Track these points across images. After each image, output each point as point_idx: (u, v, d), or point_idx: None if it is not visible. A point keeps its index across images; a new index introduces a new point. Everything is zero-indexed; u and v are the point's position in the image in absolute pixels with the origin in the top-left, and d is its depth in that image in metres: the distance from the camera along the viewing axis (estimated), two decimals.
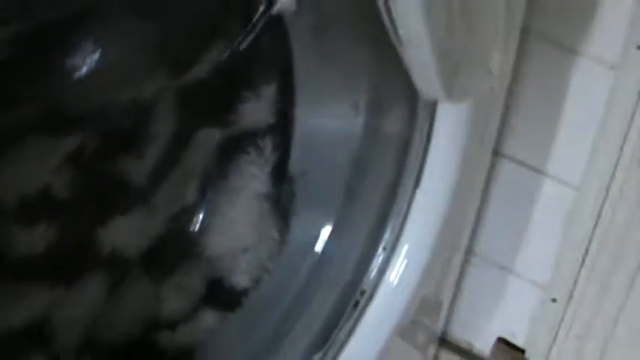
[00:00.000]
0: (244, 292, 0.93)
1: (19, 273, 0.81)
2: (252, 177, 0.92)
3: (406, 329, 1.09)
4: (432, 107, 0.79)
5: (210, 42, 0.85)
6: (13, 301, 0.80)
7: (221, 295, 0.93)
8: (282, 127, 0.90)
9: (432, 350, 1.44)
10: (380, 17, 0.63)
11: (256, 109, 0.90)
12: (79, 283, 0.86)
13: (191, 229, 0.93)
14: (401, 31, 0.62)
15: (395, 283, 0.84)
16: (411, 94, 0.76)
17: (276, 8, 0.80)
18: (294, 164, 0.92)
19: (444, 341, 1.47)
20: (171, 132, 0.86)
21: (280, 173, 0.91)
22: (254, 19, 0.81)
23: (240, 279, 0.92)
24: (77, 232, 0.84)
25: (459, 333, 1.46)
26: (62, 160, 0.80)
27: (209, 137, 0.90)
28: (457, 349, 1.46)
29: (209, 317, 0.92)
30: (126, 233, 0.87)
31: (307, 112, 0.88)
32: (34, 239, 0.80)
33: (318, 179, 0.90)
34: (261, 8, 0.81)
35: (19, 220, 0.79)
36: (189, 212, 0.93)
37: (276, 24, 0.82)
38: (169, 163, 0.88)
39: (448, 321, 1.45)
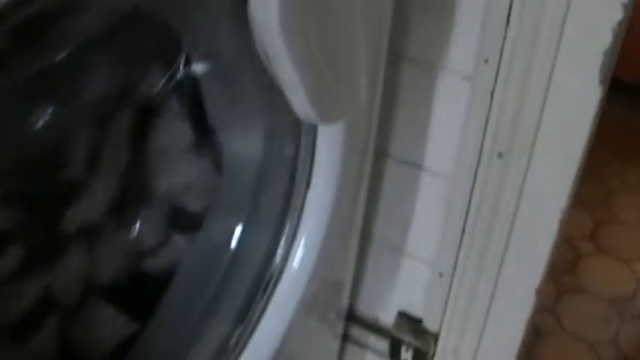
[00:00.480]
0: (200, 216, 1.05)
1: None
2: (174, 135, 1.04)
3: (312, 307, 1.23)
4: (314, 128, 0.93)
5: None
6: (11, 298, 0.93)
7: (183, 221, 1.06)
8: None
9: (341, 326, 1.54)
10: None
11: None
12: (61, 261, 0.97)
13: (144, 180, 1.05)
14: (278, 75, 0.79)
15: (296, 267, 0.97)
16: (296, 120, 0.89)
17: (192, 68, 0.96)
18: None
19: (352, 317, 1.56)
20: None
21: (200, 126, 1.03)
22: (170, 74, 0.96)
23: (195, 206, 1.05)
24: (40, 231, 0.95)
25: (365, 309, 1.55)
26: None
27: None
28: (364, 324, 1.56)
29: (179, 240, 1.05)
30: (86, 212, 0.98)
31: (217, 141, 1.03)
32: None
33: (229, 190, 1.03)
34: (180, 68, 0.96)
35: None
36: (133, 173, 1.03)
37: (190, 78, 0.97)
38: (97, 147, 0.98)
39: (354, 299, 1.54)
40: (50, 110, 0.91)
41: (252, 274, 1.02)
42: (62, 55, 0.87)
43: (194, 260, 1.06)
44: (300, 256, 0.99)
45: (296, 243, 1.00)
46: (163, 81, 0.98)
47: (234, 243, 1.04)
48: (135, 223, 1.04)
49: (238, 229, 1.04)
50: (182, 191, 1.05)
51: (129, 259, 1.04)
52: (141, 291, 1.06)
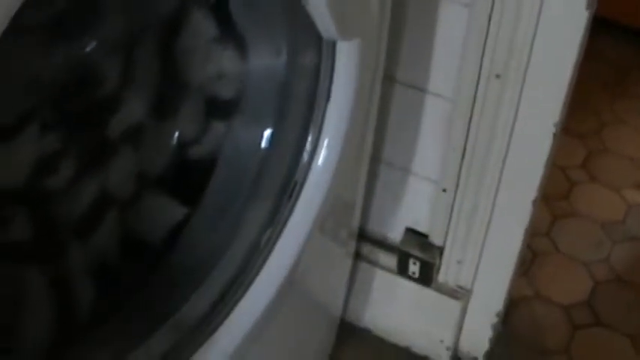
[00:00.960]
0: (233, 102, 1.13)
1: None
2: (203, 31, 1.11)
3: (327, 227, 1.32)
4: (333, 44, 1.03)
5: None
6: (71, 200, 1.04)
7: (218, 108, 1.14)
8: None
9: (352, 245, 1.62)
10: None
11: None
12: (112, 162, 1.07)
13: (177, 76, 1.12)
14: None
15: (320, 166, 1.09)
16: (317, 37, 1.00)
17: None
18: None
19: (362, 236, 1.64)
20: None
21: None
22: None
23: (226, 93, 1.13)
24: (88, 142, 1.04)
25: (375, 227, 1.64)
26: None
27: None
28: (374, 241, 1.65)
29: (218, 126, 1.14)
30: (128, 117, 1.06)
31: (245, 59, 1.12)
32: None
33: (256, 102, 1.13)
34: None
35: None
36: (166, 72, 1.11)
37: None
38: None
39: (364, 218, 1.62)
40: (87, 41, 0.99)
41: (281, 173, 1.12)
42: None
43: (233, 148, 1.15)
44: (323, 155, 1.10)
45: (319, 146, 1.10)
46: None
47: (264, 144, 1.14)
48: (176, 117, 1.13)
49: (267, 133, 1.14)
50: (213, 81, 1.14)
51: (175, 149, 1.14)
52: (189, 178, 1.16)
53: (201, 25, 1.11)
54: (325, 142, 1.09)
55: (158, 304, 1.08)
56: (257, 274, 1.11)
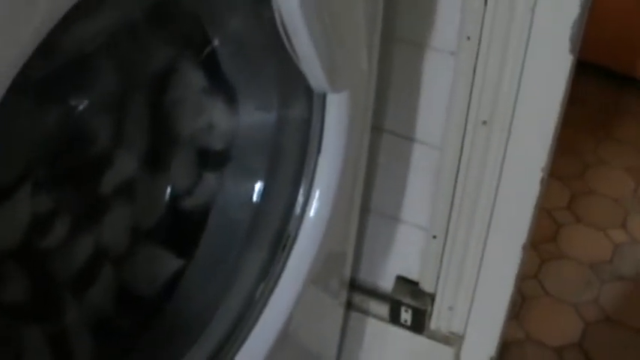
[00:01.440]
0: (224, 153, 1.15)
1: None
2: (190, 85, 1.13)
3: (320, 275, 1.33)
4: (324, 97, 1.04)
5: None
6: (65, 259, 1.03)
7: (210, 159, 1.16)
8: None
9: (344, 294, 1.62)
10: (282, 41, 0.93)
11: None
12: (105, 218, 1.07)
13: (168, 129, 1.13)
14: (297, 51, 0.93)
15: (312, 218, 1.09)
16: (307, 89, 1.02)
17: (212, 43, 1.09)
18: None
19: (353, 285, 1.64)
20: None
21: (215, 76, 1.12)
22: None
23: (218, 144, 1.15)
24: (81, 200, 1.04)
25: (366, 276, 1.64)
26: None
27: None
28: (365, 290, 1.64)
29: (210, 178, 1.15)
30: (120, 174, 1.07)
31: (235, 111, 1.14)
32: None
33: (247, 155, 1.14)
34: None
35: None
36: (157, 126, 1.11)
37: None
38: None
39: (355, 268, 1.62)
40: (79, 101, 1.00)
41: (274, 226, 1.13)
42: (92, 48, 0.98)
43: (225, 200, 1.16)
44: (316, 207, 1.11)
45: (311, 197, 1.11)
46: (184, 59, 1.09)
47: (255, 197, 1.15)
48: (168, 169, 1.14)
49: (258, 186, 1.15)
50: (204, 132, 1.15)
51: (168, 201, 1.14)
52: (183, 229, 1.17)
53: (191, 77, 1.12)
54: (317, 194, 1.10)
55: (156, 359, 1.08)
56: (252, 328, 1.11)
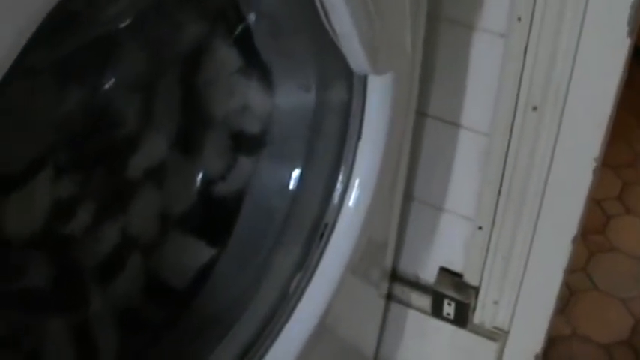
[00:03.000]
0: (260, 137, 1.10)
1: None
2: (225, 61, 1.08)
3: (359, 268, 1.28)
4: (364, 79, 0.99)
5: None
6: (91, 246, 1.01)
7: (245, 143, 1.11)
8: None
9: (385, 285, 1.58)
10: (320, 19, 0.87)
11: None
12: (133, 204, 1.04)
13: (200, 110, 1.09)
14: (336, 28, 0.87)
15: (352, 207, 1.04)
16: (347, 71, 0.96)
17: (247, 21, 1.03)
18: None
19: (395, 276, 1.60)
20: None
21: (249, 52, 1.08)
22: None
23: (252, 127, 1.10)
24: (107, 185, 1.01)
25: (407, 268, 1.60)
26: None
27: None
28: (407, 282, 1.61)
29: (244, 162, 1.10)
30: (148, 156, 1.03)
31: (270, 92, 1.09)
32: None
33: (284, 140, 1.09)
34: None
35: None
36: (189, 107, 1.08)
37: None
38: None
39: (396, 259, 1.59)
40: (105, 79, 0.96)
41: (311, 215, 1.08)
42: (126, 22, 0.94)
43: (260, 187, 1.12)
44: (354, 197, 1.06)
45: (350, 187, 1.06)
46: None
47: (292, 185, 1.10)
48: (200, 152, 1.10)
49: (295, 173, 1.10)
50: (238, 114, 1.11)
51: (200, 187, 1.10)
52: (215, 217, 1.12)
53: (225, 56, 1.08)
54: (357, 183, 1.05)
55: (183, 355, 1.03)
56: (285, 322, 1.06)
